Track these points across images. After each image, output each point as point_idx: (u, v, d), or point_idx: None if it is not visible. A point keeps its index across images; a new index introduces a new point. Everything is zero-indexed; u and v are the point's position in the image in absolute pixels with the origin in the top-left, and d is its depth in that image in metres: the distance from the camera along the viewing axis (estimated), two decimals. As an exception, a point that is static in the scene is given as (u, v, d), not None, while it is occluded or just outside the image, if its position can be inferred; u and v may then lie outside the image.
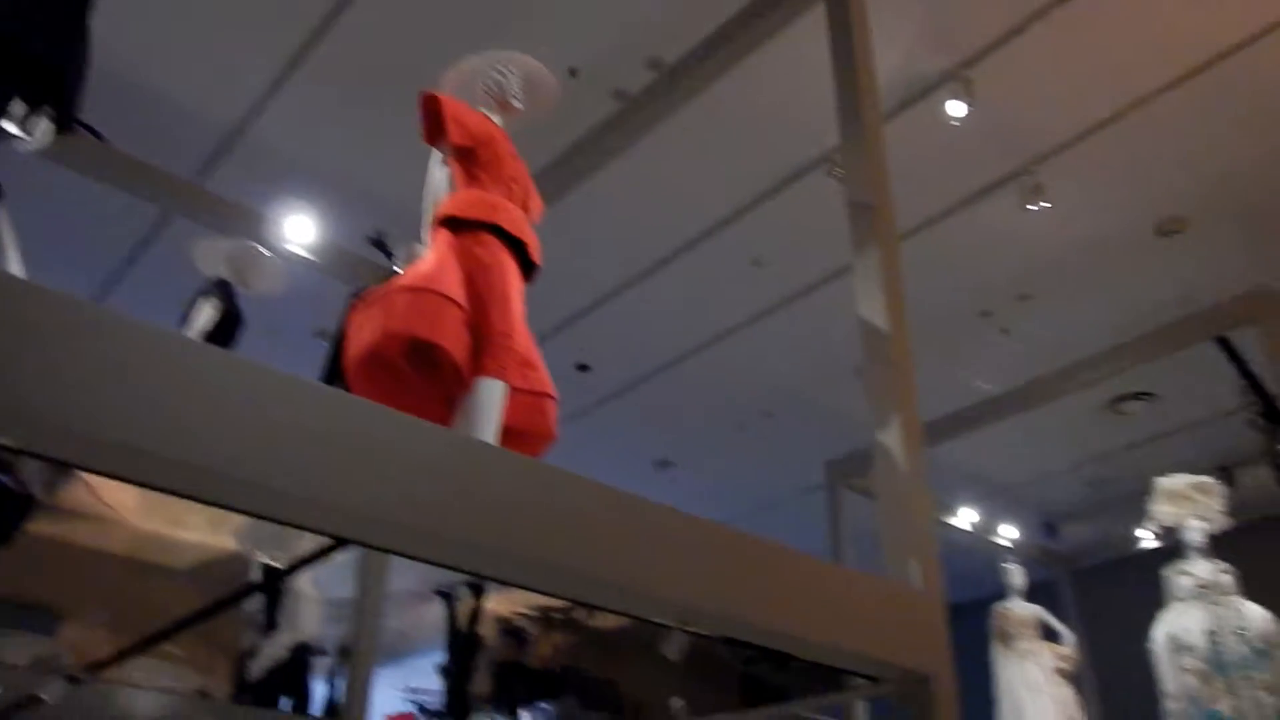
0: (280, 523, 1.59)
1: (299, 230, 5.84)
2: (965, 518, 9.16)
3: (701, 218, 6.95)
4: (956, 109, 5.83)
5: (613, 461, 9.59)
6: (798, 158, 6.39)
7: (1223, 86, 5.88)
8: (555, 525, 1.81)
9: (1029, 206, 6.42)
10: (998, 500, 9.83)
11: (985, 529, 9.37)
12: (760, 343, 8.16)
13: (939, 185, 6.55)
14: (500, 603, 4.39)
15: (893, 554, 2.77)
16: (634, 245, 7.20)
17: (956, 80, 5.82)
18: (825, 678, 2.52)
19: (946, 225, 6.88)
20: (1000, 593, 7.98)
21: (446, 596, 4.44)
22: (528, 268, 2.97)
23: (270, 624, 4.49)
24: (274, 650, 4.49)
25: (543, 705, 4.40)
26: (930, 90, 5.92)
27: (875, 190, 3.23)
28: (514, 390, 2.75)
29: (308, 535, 2.14)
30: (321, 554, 2.61)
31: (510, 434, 2.75)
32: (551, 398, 2.93)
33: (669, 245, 7.20)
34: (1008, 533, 9.41)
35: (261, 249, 5.41)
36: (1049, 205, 6.39)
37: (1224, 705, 6.15)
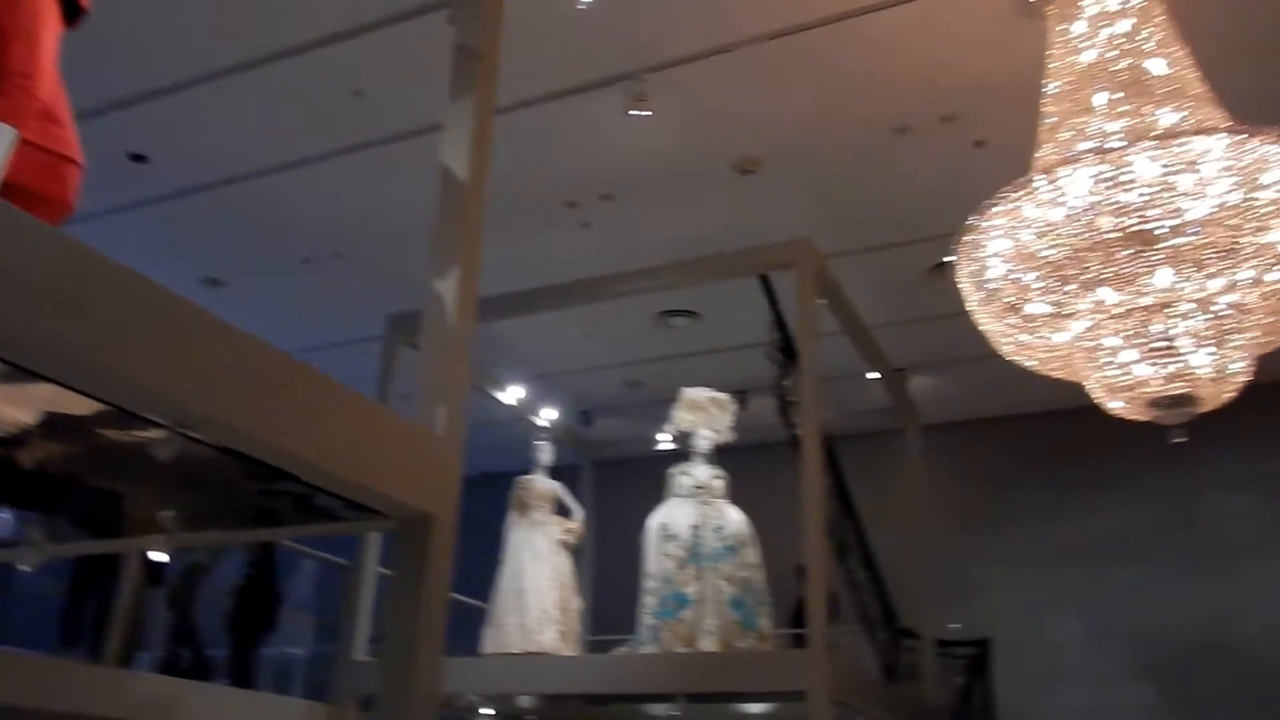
0: None
1: None
2: (512, 394, 9.52)
3: (301, 29, 6.41)
4: (586, -7, 5.88)
5: (157, 265, 8.74)
6: (418, -4, 6.10)
7: (816, 50, 6.47)
8: (46, 292, 1.58)
9: (631, 111, 6.67)
10: (543, 383, 10.33)
11: (528, 408, 9.81)
12: (345, 179, 7.79)
13: (551, 67, 6.59)
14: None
15: (425, 400, 2.78)
16: (221, 35, 6.49)
17: (593, -34, 5.85)
18: (325, 507, 2.49)
19: (549, 108, 6.96)
20: (530, 467, 8.45)
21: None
22: (71, 9, 2.54)
23: None
24: None
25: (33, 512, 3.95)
26: (566, -33, 5.91)
27: (484, 39, 3.15)
28: (29, 144, 2.36)
29: None
30: None
31: (18, 194, 2.35)
32: (75, 164, 2.55)
33: (258, 49, 6.57)
34: (547, 414, 9.93)
35: None
36: (649, 114, 6.67)
37: (691, 589, 7.04)
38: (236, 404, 1.97)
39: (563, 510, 8.39)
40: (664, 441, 8.83)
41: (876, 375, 9.05)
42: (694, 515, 7.33)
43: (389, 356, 8.01)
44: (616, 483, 11.02)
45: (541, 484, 8.29)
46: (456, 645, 7.14)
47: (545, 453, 8.52)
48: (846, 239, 8.32)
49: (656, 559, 7.24)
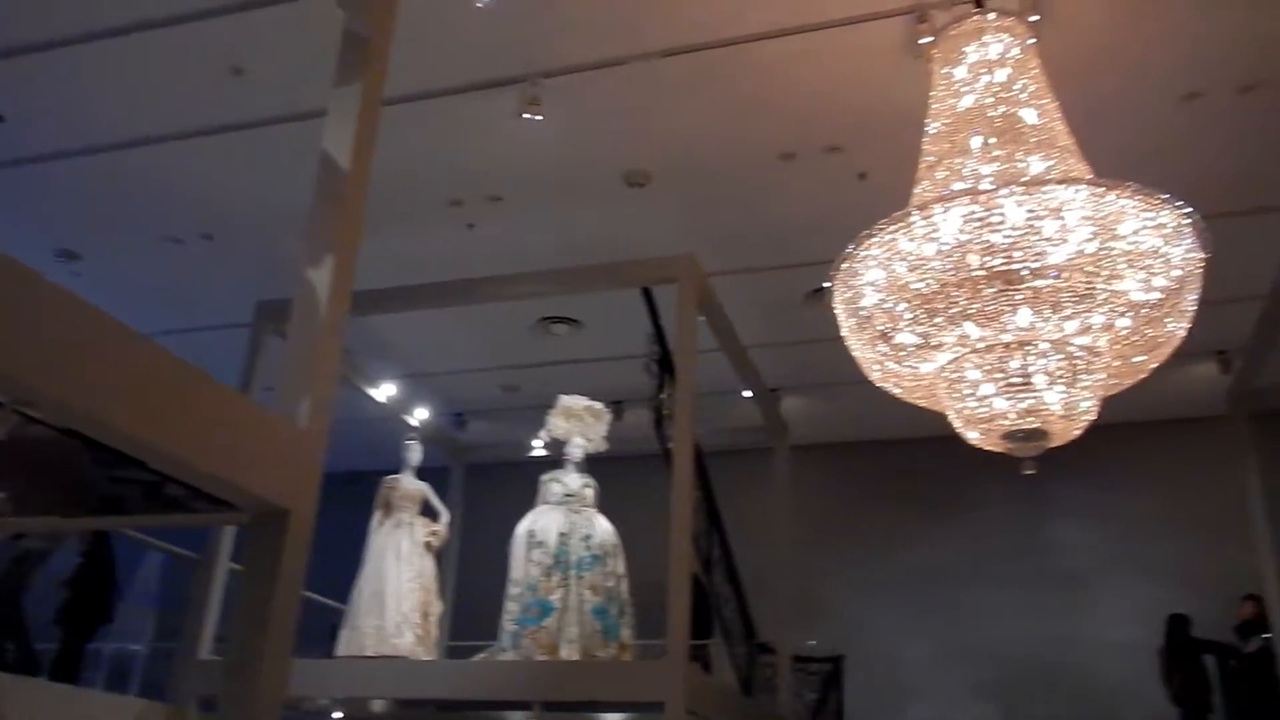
0: None
1: None
2: (384, 391, 9.33)
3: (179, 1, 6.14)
4: (486, -8, 5.81)
5: (6, 232, 8.27)
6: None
7: (710, 71, 6.55)
8: None
9: (524, 114, 6.63)
10: (417, 382, 10.16)
11: (399, 407, 9.63)
12: (220, 157, 7.50)
13: (444, 62, 6.50)
14: None
15: (288, 390, 2.70)
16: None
17: (494, -35, 5.79)
18: (174, 497, 2.38)
19: (440, 104, 6.85)
20: (398, 466, 8.29)
21: None
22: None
23: None
24: None
25: None
26: (466, -36, 5.83)
27: (375, 26, 3.08)
28: None
29: None
30: None
31: None
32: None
33: (135, 14, 6.23)
34: (419, 414, 9.77)
35: None
36: (541, 119, 6.64)
37: (555, 597, 7.01)
38: (81, 383, 1.87)
39: (429, 512, 8.25)
40: (537, 448, 8.79)
41: (750, 394, 9.21)
42: (563, 523, 7.31)
43: (256, 345, 7.76)
44: (487, 487, 10.91)
45: (409, 484, 8.14)
46: (310, 647, 6.94)
47: (415, 453, 8.37)
48: (729, 258, 8.44)
49: (522, 566, 7.19)
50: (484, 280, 7.73)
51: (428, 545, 7.98)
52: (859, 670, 10.24)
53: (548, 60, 6.51)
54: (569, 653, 6.78)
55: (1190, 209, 4.96)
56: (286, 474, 2.49)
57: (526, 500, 7.58)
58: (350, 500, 7.70)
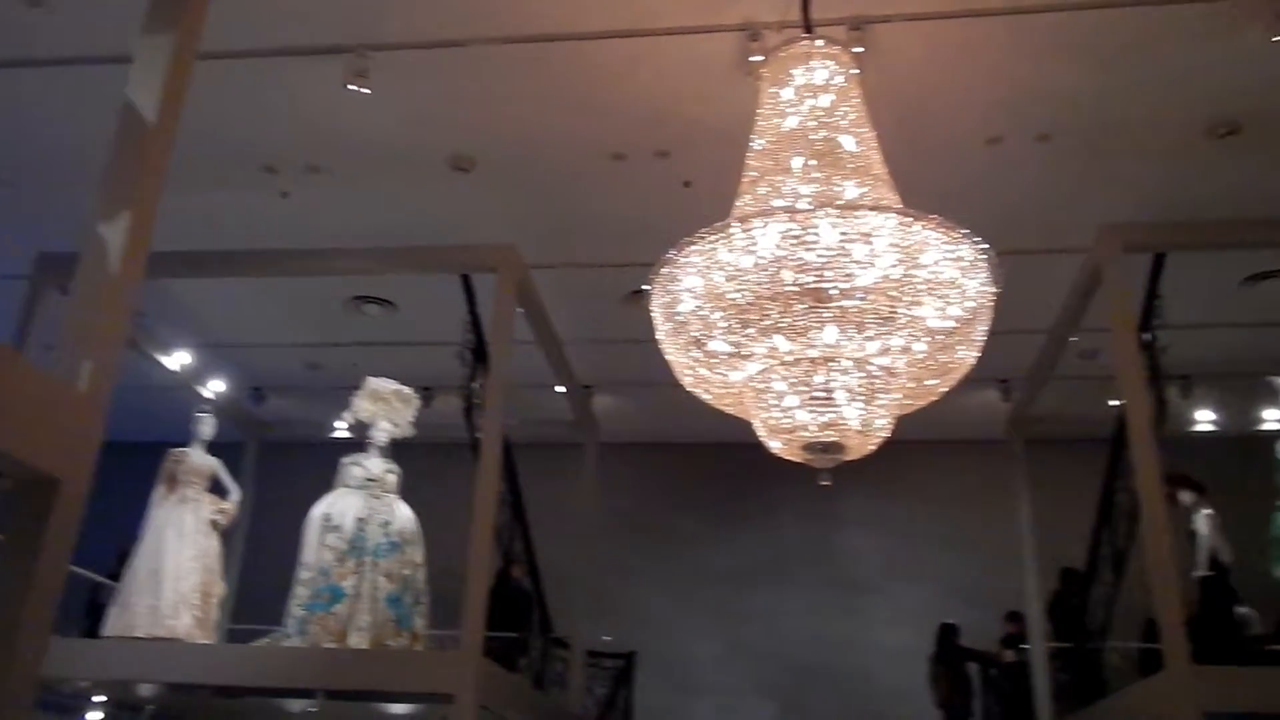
0: None
1: None
2: (177, 359, 8.82)
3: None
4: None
5: None
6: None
7: (546, 63, 6.53)
8: None
9: (349, 86, 6.40)
10: (214, 353, 9.66)
11: (193, 377, 9.13)
12: (8, 94, 6.89)
13: (268, 21, 6.19)
14: None
15: (68, 351, 2.50)
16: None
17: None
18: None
19: (260, 64, 6.54)
20: (187, 440, 7.84)
21: None
22: None
23: None
24: None
25: None
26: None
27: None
28: None
29: None
30: None
31: None
32: None
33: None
34: (214, 386, 9.29)
35: None
36: (368, 93, 6.44)
37: (348, 583, 6.80)
38: None
39: (218, 489, 7.84)
40: (340, 429, 8.50)
41: (563, 389, 9.23)
42: (361, 508, 7.10)
43: (35, 299, 7.18)
44: (282, 466, 10.48)
45: (197, 459, 7.71)
46: (66, 626, 6.47)
47: (206, 426, 7.92)
48: (552, 252, 8.43)
49: (315, 549, 6.94)
50: (296, 252, 7.43)
51: (214, 524, 7.57)
52: (652, 667, 10.44)
53: (381, 33, 6.31)
54: (358, 640, 6.60)
55: (986, 245, 5.32)
56: (59, 439, 2.31)
57: (324, 482, 7.32)
58: (129, 471, 7.23)
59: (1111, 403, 7.01)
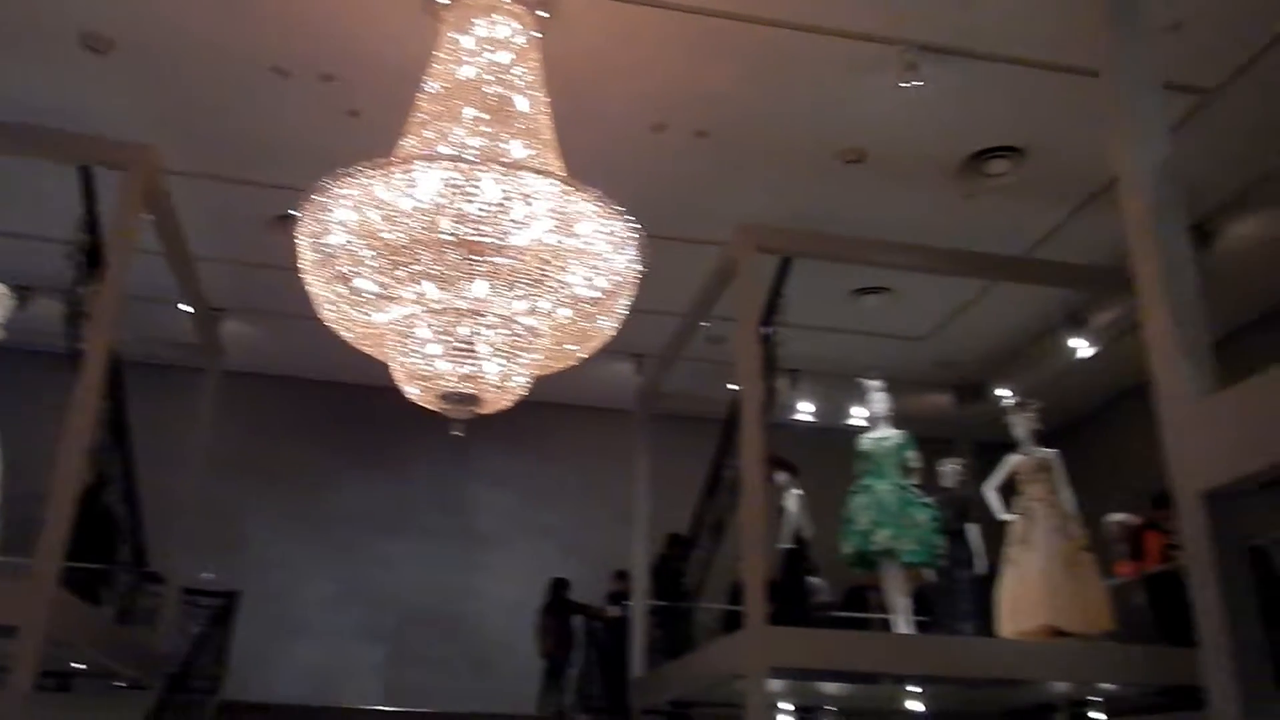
0: None
1: None
2: None
3: None
4: None
5: None
6: None
7: None
8: None
9: None
10: None
11: None
12: None
13: None
14: None
15: None
16: None
17: None
18: None
19: None
20: None
21: None
22: None
23: None
24: None
25: None
26: None
27: None
28: None
29: None
30: None
31: None
32: None
33: None
34: None
35: None
36: None
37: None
38: None
39: None
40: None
41: (190, 308, 8.54)
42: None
43: None
44: None
45: None
46: None
47: None
48: (194, 160, 7.76)
49: None
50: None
51: None
52: (257, 606, 9.99)
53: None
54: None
55: (638, 225, 5.59)
56: None
57: None
58: None
59: (730, 387, 7.60)
